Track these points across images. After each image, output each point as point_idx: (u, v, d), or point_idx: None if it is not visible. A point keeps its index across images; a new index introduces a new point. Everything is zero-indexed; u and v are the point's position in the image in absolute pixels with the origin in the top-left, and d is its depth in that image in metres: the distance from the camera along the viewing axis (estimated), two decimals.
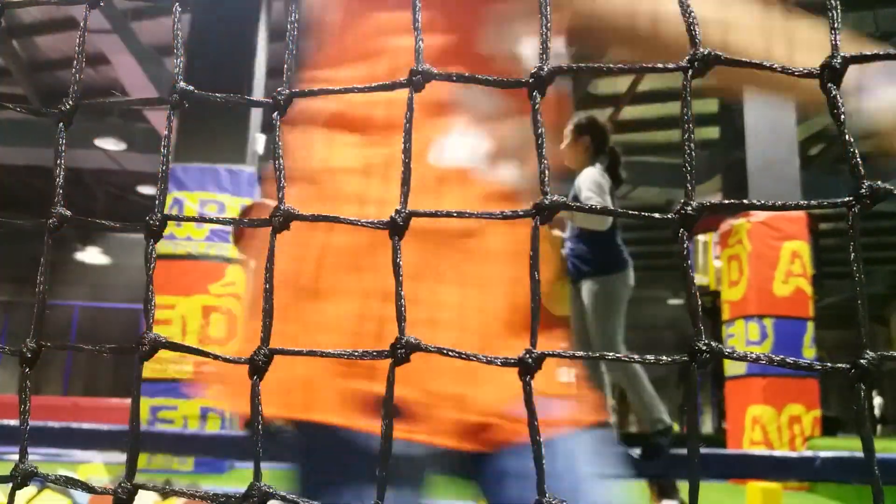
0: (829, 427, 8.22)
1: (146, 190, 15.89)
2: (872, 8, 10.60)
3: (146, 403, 6.96)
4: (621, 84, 12.35)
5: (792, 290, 8.15)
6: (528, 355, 0.43)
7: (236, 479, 6.77)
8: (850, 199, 0.42)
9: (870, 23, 10.88)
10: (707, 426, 21.45)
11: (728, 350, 0.37)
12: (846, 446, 5.69)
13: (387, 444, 0.45)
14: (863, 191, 0.42)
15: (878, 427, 20.50)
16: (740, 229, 8.38)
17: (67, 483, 0.45)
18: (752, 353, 0.37)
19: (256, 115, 8.21)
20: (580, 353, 0.40)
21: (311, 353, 0.45)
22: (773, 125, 8.60)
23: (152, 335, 0.47)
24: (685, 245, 0.40)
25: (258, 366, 0.46)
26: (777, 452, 3.93)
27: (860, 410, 0.39)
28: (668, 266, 20.38)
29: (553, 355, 0.39)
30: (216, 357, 0.48)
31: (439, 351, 0.43)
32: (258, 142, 8.27)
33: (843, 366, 0.39)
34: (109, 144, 11.54)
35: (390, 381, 0.43)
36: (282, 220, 0.47)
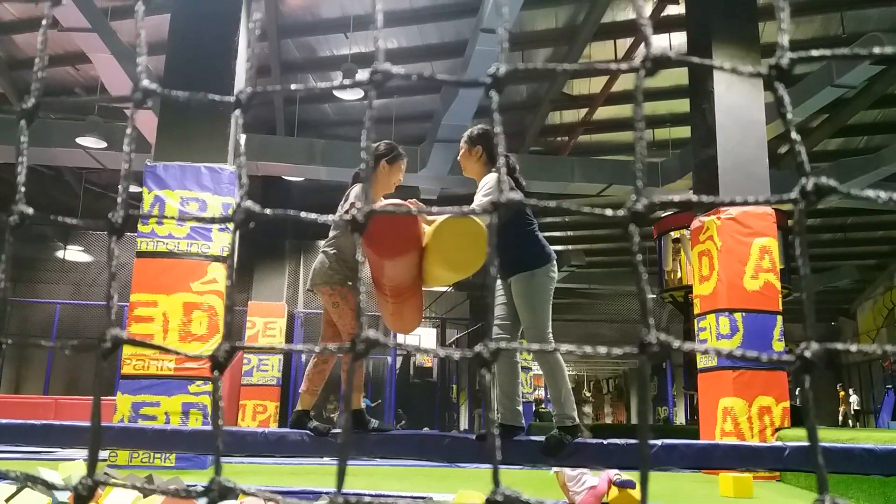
0: (799, 418, 8.34)
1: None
2: (840, 10, 10.73)
3: (128, 400, 6.93)
4: (595, 85, 12.41)
5: (761, 284, 8.23)
6: (484, 348, 0.44)
7: None
8: (796, 195, 0.43)
9: (837, 24, 11.01)
10: (680, 417, 21.70)
11: (676, 342, 0.38)
12: None
13: (347, 435, 0.45)
14: (808, 187, 0.43)
15: (854, 424, 20.71)
16: (711, 226, 8.46)
17: (28, 480, 0.45)
18: (700, 343, 0.38)
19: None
20: (534, 346, 0.40)
21: (271, 350, 0.46)
22: (743, 125, 8.69)
23: (114, 331, 0.48)
24: (635, 240, 0.41)
25: (218, 361, 0.47)
26: (748, 443, 3.97)
27: (804, 399, 0.40)
28: (642, 262, 20.67)
29: (507, 348, 0.40)
30: (178, 353, 0.48)
31: (398, 345, 0.44)
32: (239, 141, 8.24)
33: (789, 358, 0.40)
34: (90, 143, 11.45)
35: (349, 374, 0.44)
36: (242, 217, 0.48)
